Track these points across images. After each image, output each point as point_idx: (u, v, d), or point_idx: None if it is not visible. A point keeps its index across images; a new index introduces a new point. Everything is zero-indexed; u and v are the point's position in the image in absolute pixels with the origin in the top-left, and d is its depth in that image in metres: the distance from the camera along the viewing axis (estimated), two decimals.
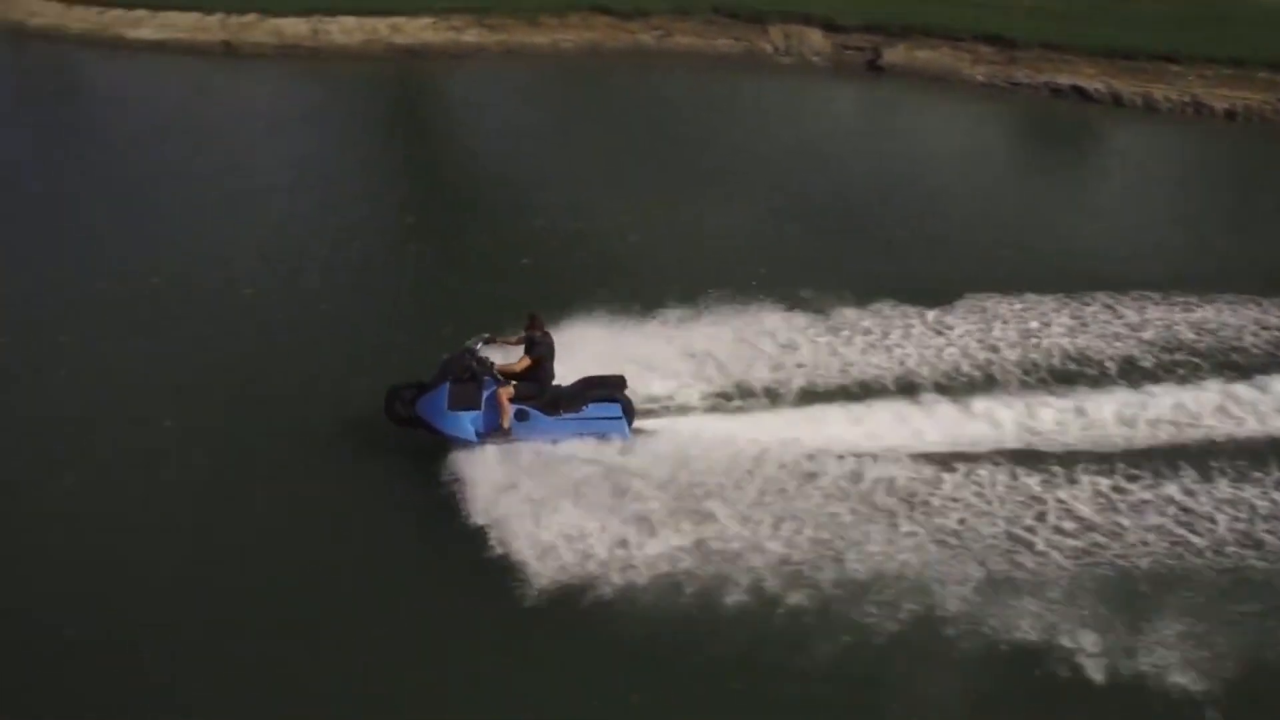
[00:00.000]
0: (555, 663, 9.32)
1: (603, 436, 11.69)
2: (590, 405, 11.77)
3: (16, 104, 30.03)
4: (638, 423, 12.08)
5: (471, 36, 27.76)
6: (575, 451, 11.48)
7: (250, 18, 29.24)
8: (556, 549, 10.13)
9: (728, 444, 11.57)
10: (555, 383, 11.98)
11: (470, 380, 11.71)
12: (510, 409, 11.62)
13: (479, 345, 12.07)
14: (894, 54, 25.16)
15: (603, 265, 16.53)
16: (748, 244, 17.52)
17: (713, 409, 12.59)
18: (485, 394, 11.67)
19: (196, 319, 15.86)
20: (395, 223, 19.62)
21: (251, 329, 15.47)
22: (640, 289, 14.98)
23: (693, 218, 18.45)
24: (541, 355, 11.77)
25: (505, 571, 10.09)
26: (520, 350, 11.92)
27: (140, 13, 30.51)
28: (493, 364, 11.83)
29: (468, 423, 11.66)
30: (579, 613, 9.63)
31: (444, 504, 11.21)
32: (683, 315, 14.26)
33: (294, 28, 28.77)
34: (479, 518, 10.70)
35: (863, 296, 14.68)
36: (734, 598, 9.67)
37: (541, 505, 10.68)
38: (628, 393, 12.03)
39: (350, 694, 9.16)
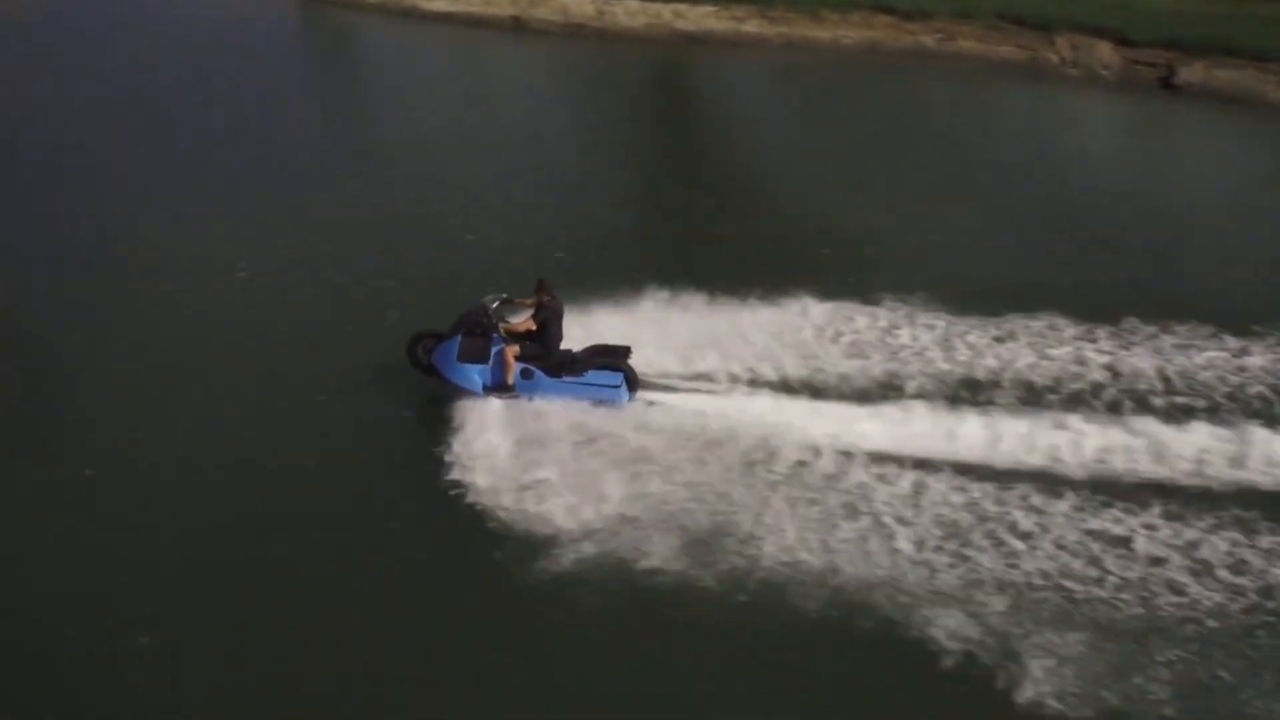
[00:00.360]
0: (514, 593, 9.73)
1: (601, 402, 12.14)
2: (592, 371, 12.23)
3: (311, 66, 32.57)
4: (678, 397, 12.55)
5: (753, 27, 28.61)
6: (573, 413, 12.01)
7: None
8: (524, 498, 10.63)
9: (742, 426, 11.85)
10: (566, 347, 12.45)
11: (481, 335, 12.20)
12: (515, 367, 12.15)
13: (495, 303, 12.45)
14: (1190, 72, 24.72)
15: (809, 254, 16.80)
16: (965, 250, 17.12)
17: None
18: (494, 350, 12.18)
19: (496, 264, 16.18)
20: (651, 202, 20.21)
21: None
22: (834, 279, 15.18)
23: (934, 221, 18.15)
24: (546, 319, 12.17)
25: (479, 516, 10.57)
26: (530, 312, 12.42)
27: None
28: (500, 322, 12.29)
29: (475, 375, 12.25)
30: (532, 553, 10.00)
31: (437, 449, 11.69)
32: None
33: (580, 7, 30.22)
34: (463, 464, 11.24)
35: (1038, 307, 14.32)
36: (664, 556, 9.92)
37: (521, 457, 11.25)
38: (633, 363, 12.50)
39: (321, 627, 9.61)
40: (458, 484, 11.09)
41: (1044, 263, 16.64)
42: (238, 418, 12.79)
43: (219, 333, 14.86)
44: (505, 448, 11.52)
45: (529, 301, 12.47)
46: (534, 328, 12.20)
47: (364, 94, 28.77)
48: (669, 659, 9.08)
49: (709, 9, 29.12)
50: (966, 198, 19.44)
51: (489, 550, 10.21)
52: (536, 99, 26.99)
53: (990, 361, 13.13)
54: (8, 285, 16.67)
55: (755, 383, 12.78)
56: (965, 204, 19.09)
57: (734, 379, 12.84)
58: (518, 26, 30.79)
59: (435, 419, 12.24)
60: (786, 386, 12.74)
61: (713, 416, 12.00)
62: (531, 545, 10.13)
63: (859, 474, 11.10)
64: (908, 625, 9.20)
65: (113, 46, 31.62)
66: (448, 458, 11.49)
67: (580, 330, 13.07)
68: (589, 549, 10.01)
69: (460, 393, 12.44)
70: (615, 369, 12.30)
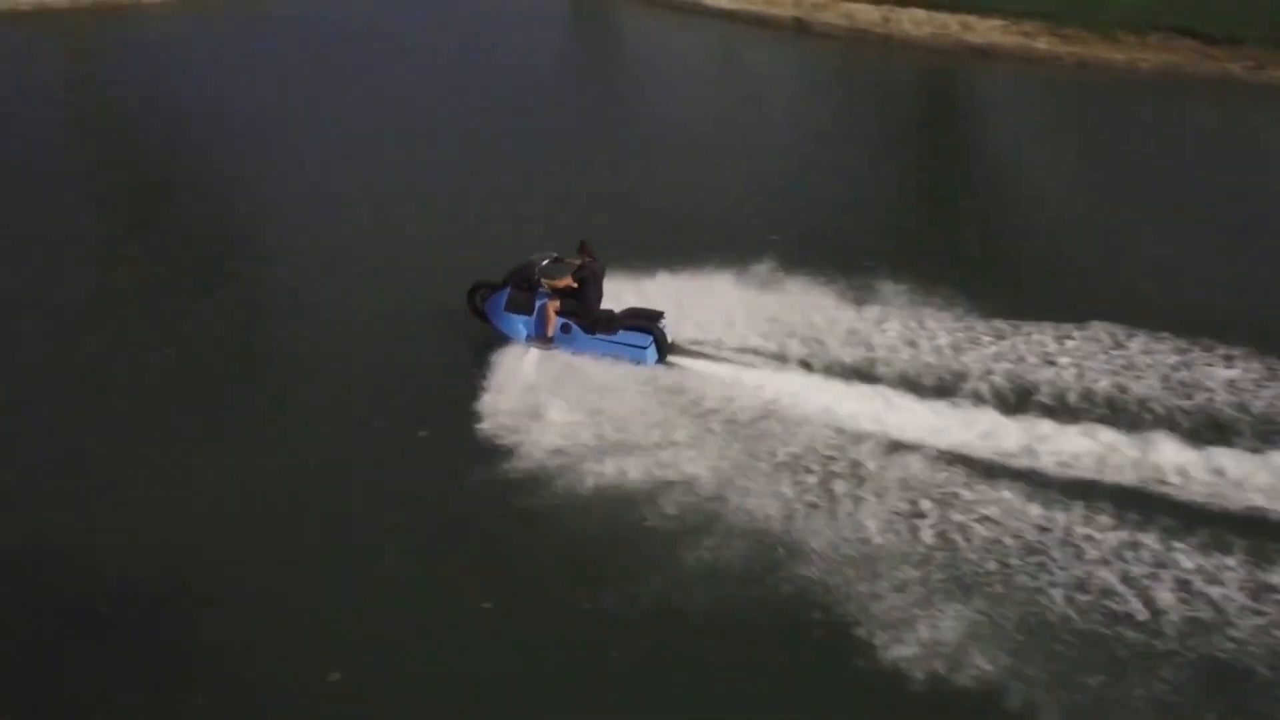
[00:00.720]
0: (492, 485, 11.54)
1: (631, 360, 13.08)
2: (623, 331, 13.19)
3: (589, 56, 34.30)
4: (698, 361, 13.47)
5: (1043, 44, 28.25)
6: (599, 368, 13.11)
7: None
8: (525, 425, 12.18)
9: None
10: (608, 307, 13.56)
11: (528, 289, 13.40)
12: (555, 321, 13.38)
13: (544, 261, 13.66)
14: None
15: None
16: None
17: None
18: (537, 304, 13.38)
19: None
20: (893, 205, 20.75)
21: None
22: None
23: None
24: (584, 279, 13.30)
25: (490, 435, 12.31)
26: (571, 271, 13.56)
27: None
28: (545, 279, 13.39)
29: (520, 325, 13.57)
30: (511, 462, 11.80)
31: (475, 380, 13.33)
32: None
33: (866, 14, 30.63)
34: (490, 393, 12.90)
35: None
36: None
37: (545, 400, 12.55)
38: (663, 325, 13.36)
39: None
40: (480, 408, 12.82)
41: None
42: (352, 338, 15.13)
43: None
44: (527, 386, 13.00)
45: (575, 261, 13.59)
46: (574, 285, 13.41)
47: (640, 84, 30.24)
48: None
49: (997, 23, 28.93)
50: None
51: (489, 459, 12.02)
52: (810, 100, 27.78)
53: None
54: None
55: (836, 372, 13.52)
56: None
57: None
58: (800, 28, 31.50)
59: (481, 358, 13.90)
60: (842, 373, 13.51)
61: (728, 385, 13.00)
62: (515, 458, 11.93)
63: (860, 452, 11.85)
64: (833, 592, 9.98)
65: (387, 36, 34.13)
66: (480, 387, 13.15)
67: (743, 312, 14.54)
68: (551, 463, 11.71)
69: (507, 340, 13.96)
70: (646, 331, 13.22)
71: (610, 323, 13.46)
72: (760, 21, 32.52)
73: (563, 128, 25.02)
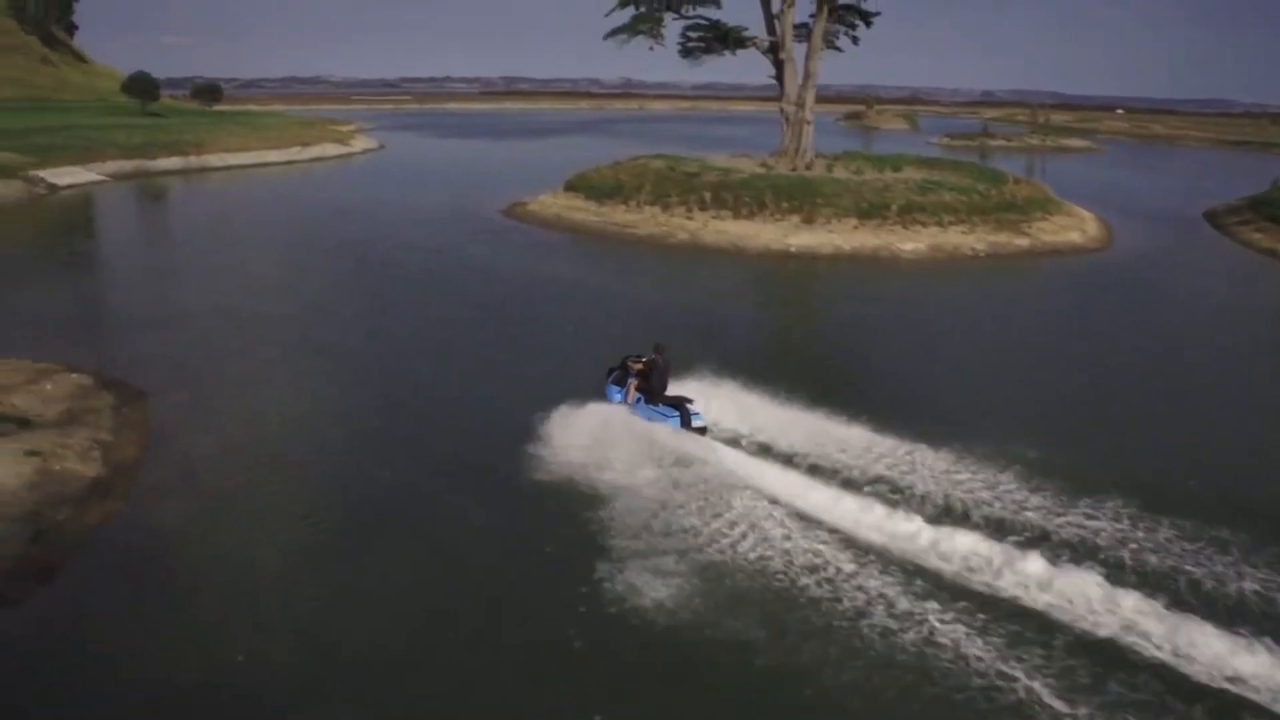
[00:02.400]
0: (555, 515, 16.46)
1: (664, 422, 19.25)
2: (665, 406, 19.52)
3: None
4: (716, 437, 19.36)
5: None
6: (651, 428, 19.14)
7: None
8: (574, 454, 18.09)
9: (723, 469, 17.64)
10: (671, 391, 19.80)
11: (623, 374, 20.30)
12: (633, 394, 19.99)
13: (630, 360, 20.26)
14: None
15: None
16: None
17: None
18: (628, 381, 20.13)
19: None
20: None
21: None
22: None
23: None
24: (649, 369, 19.79)
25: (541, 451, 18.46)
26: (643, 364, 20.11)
27: None
28: (630, 369, 20.16)
29: (616, 393, 20.22)
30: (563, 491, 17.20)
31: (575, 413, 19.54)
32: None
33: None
34: (564, 425, 19.00)
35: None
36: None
37: (599, 434, 18.73)
38: (692, 409, 19.25)
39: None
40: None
41: None
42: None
43: None
44: (596, 426, 19.08)
45: (651, 358, 19.97)
46: (647, 372, 19.85)
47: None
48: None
49: None
50: None
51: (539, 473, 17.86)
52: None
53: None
54: None
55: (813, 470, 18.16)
56: None
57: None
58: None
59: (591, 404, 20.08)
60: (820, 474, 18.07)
61: (721, 461, 17.99)
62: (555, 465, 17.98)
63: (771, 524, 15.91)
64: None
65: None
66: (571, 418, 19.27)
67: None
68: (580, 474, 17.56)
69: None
70: (675, 407, 19.39)
71: (660, 399, 19.69)
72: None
73: None
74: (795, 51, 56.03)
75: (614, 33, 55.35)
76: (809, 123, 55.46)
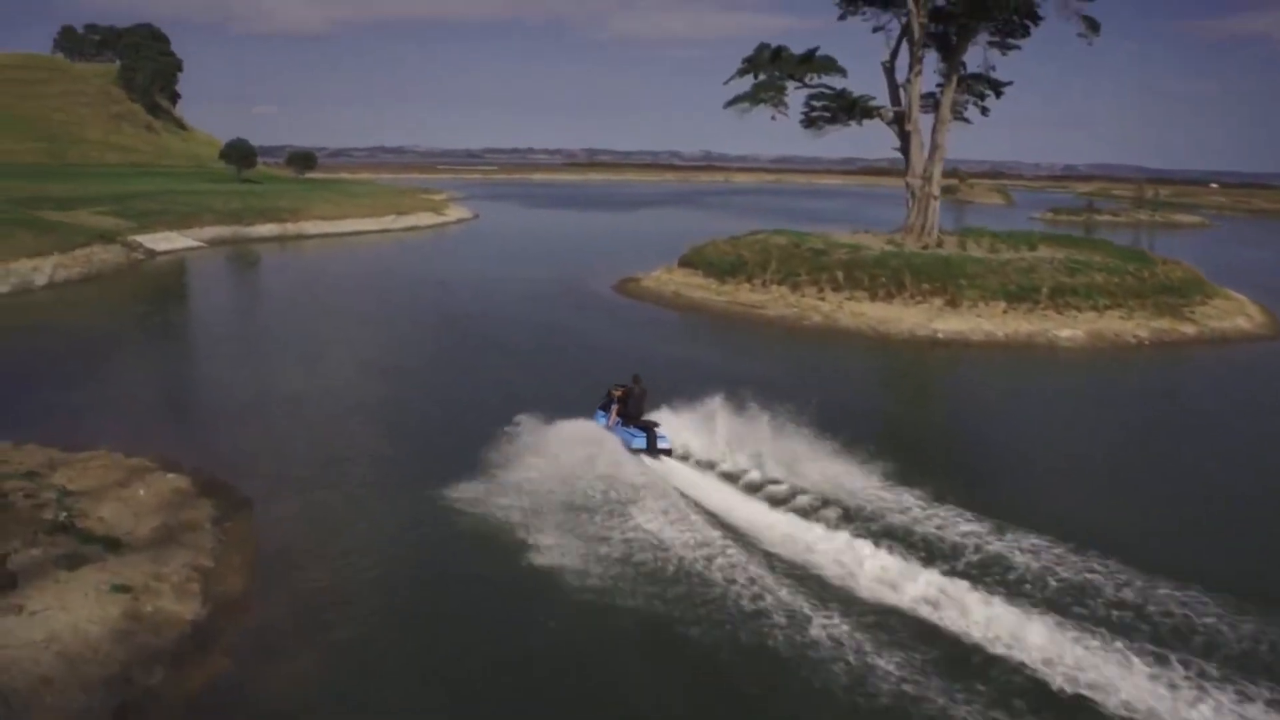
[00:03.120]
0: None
1: (628, 442, 21.22)
2: (634, 427, 21.52)
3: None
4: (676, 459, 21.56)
5: None
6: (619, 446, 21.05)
7: None
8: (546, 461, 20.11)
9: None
10: (645, 416, 21.93)
11: (609, 401, 22.19)
12: (615, 418, 21.87)
13: (614, 388, 22.26)
14: None
15: None
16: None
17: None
18: (611, 406, 22.06)
19: None
20: None
21: None
22: None
23: None
24: (628, 396, 21.92)
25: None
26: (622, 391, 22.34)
27: None
28: (612, 397, 22.15)
29: (601, 416, 22.19)
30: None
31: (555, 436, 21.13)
32: None
33: None
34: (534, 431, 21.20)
35: None
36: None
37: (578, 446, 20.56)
38: (659, 431, 21.55)
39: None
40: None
41: None
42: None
43: None
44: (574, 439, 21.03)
45: (628, 385, 22.24)
46: (624, 398, 21.97)
47: None
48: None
49: None
50: None
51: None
52: None
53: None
54: None
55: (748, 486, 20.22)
56: None
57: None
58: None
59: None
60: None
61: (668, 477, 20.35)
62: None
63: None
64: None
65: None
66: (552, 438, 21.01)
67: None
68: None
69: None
70: (642, 430, 21.50)
71: (632, 422, 21.74)
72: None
73: None
74: (921, 123, 52.82)
75: (735, 101, 52.62)
76: (936, 198, 51.97)
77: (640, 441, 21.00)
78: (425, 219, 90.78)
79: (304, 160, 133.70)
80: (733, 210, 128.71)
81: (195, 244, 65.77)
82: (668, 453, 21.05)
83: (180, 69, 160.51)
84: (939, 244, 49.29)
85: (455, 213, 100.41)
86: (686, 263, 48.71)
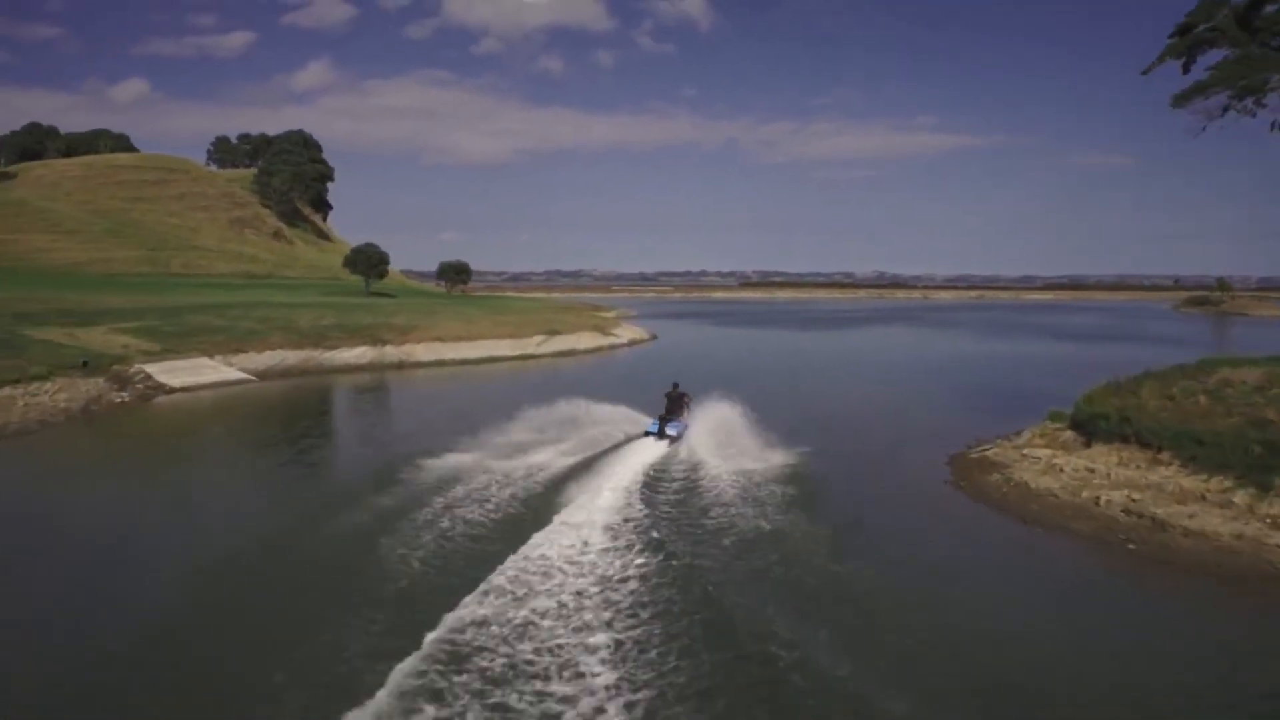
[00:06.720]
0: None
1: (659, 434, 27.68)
2: (657, 422, 27.81)
3: None
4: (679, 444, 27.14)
5: None
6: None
7: None
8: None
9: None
10: (684, 414, 28.85)
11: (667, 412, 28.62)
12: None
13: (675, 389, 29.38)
14: None
15: None
16: None
17: None
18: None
19: None
20: None
21: None
22: None
23: None
24: (670, 399, 28.91)
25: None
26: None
27: None
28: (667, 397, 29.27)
29: (652, 425, 28.24)
30: None
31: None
32: None
33: None
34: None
35: None
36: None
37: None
38: (684, 420, 28.23)
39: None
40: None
41: None
42: None
43: None
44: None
45: (669, 392, 29.54)
46: (667, 402, 29.01)
47: None
48: None
49: None
50: None
51: None
52: None
53: None
54: None
55: None
56: None
57: None
58: None
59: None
60: None
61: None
62: None
63: None
64: None
65: None
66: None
67: None
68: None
69: None
70: (660, 422, 27.68)
71: (663, 419, 27.87)
72: None
73: None
74: None
75: (1188, 96, 26.80)
76: None
77: (654, 426, 27.43)
78: (586, 340, 67.11)
79: (457, 272, 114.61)
80: (973, 328, 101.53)
81: (239, 376, 43.95)
82: (673, 439, 27.07)
83: (331, 177, 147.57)
84: None
85: (627, 333, 76.44)
86: (1085, 425, 22.72)
